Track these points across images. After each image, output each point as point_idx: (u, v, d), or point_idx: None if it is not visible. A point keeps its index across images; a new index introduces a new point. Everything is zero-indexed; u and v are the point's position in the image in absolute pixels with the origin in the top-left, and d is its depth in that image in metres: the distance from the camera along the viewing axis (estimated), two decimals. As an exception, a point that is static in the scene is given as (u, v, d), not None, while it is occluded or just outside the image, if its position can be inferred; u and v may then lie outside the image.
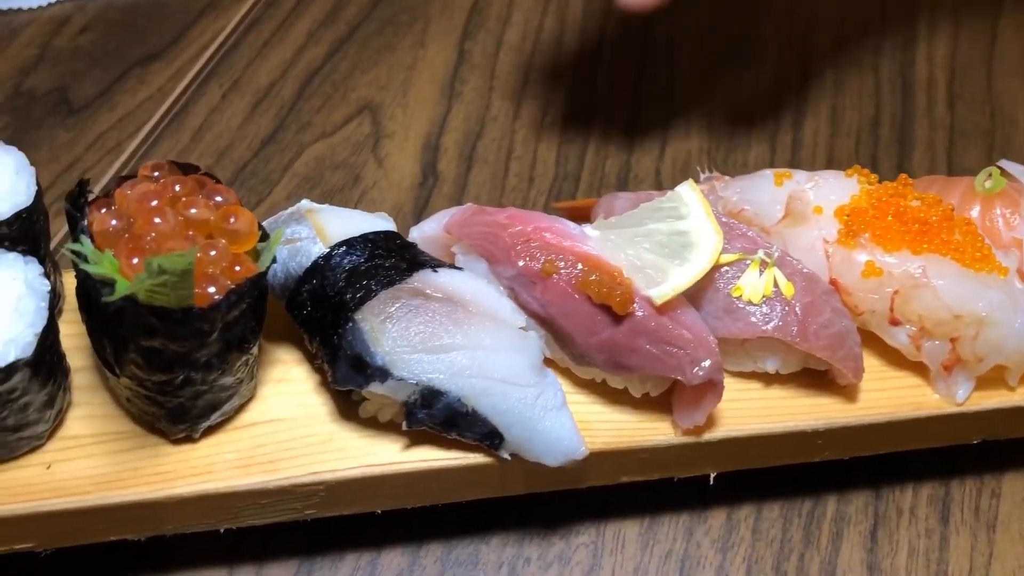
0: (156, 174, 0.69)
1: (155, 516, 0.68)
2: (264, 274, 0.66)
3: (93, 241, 0.64)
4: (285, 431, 0.71)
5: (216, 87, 1.14)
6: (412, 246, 0.75)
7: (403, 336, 0.67)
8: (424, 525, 0.78)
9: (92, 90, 1.13)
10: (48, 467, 0.68)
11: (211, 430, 0.70)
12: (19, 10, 1.20)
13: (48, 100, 1.11)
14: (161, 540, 0.72)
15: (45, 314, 0.63)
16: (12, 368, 0.61)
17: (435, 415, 0.68)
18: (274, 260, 0.66)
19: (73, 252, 0.62)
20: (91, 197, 0.68)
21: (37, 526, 0.67)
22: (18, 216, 0.68)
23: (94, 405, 0.71)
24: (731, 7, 1.29)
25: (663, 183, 1.08)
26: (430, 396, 0.67)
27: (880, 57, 1.24)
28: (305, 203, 0.76)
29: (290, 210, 0.76)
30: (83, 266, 0.60)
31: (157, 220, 0.64)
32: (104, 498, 0.67)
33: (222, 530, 0.71)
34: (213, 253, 0.64)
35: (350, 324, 0.68)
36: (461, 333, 0.68)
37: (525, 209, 0.80)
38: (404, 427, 0.68)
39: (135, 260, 0.61)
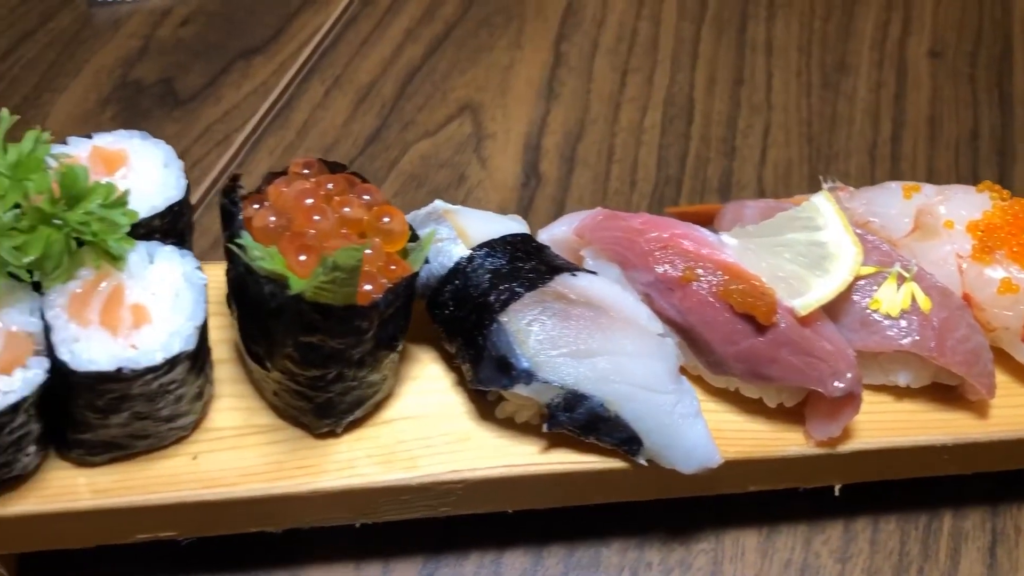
0: (306, 171, 0.70)
1: (297, 509, 0.69)
2: (417, 274, 0.66)
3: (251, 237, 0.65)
4: (423, 428, 0.71)
5: (318, 83, 1.15)
6: (547, 249, 0.75)
7: (548, 339, 0.68)
8: (545, 526, 0.79)
9: (197, 82, 1.14)
10: (194, 458, 0.69)
11: (353, 425, 0.71)
12: (122, 2, 1.22)
13: (155, 91, 1.13)
14: (295, 532, 0.73)
15: (204, 307, 0.64)
16: (176, 360, 0.62)
17: (576, 419, 0.68)
18: (426, 260, 0.67)
19: (237, 247, 0.63)
20: (243, 192, 0.69)
21: (182, 516, 0.68)
22: (170, 209, 0.69)
23: (236, 398, 0.72)
24: (827, 14, 1.29)
25: (765, 191, 1.08)
26: (574, 400, 0.68)
27: (976, 68, 1.24)
28: (440, 204, 0.77)
29: (426, 210, 0.76)
30: (258, 262, 0.61)
31: (316, 218, 0.65)
32: (250, 491, 0.68)
33: (358, 524, 0.72)
34: (369, 252, 0.65)
35: (495, 325, 0.68)
36: (604, 338, 0.68)
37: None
38: (544, 429, 0.69)
39: (302, 257, 0.62)
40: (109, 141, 0.72)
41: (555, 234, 0.78)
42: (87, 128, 1.07)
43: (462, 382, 0.74)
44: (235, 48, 1.18)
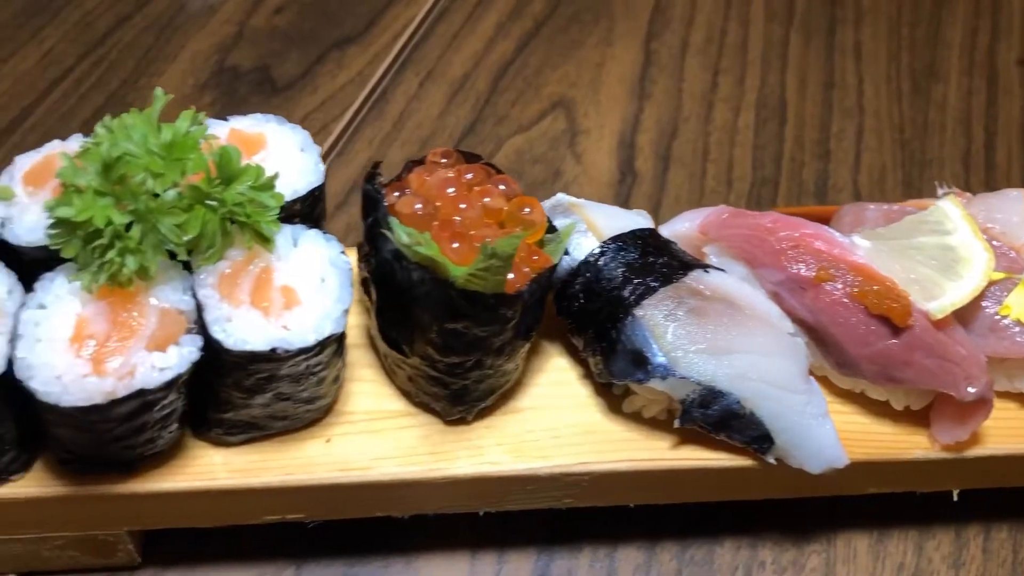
0: (444, 161, 0.70)
1: (426, 496, 0.70)
2: (556, 265, 0.66)
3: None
4: (551, 419, 0.72)
5: (412, 75, 1.16)
6: (674, 244, 0.75)
7: (685, 335, 0.68)
8: (656, 521, 0.79)
9: (293, 70, 1.14)
10: (328, 441, 0.69)
11: (482, 414, 0.71)
12: (216, -12, 1.22)
13: (252, 78, 1.13)
14: (414, 519, 0.73)
15: (350, 291, 0.64)
16: (326, 342, 0.62)
17: (710, 415, 0.68)
18: (565, 252, 0.67)
19: (387, 232, 0.63)
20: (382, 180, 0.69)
21: (314, 498, 0.69)
22: (311, 194, 0.70)
23: (365, 383, 0.72)
24: (915, 20, 1.28)
25: (862, 194, 1.08)
26: (710, 396, 0.68)
27: (1067, 78, 1.23)
28: (564, 196, 0.77)
29: (550, 202, 0.77)
30: (414, 248, 0.61)
31: (463, 206, 0.66)
32: (383, 475, 0.68)
33: (481, 513, 0.72)
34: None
35: (630, 319, 0.68)
36: (740, 335, 0.68)
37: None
38: (676, 424, 0.69)
39: (455, 245, 0.62)
40: (247, 124, 0.72)
41: (676, 230, 0.78)
42: (187, 113, 1.08)
43: (588, 375, 0.74)
44: (329, 38, 1.19)
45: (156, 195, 0.60)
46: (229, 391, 0.64)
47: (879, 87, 1.20)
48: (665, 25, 1.25)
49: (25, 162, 0.67)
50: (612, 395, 0.73)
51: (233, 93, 1.11)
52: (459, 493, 0.70)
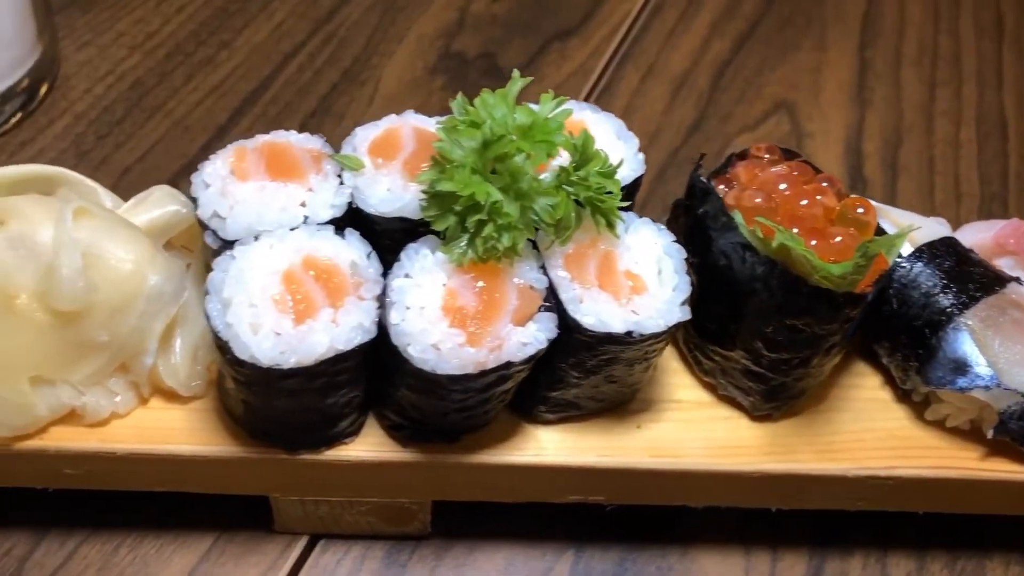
0: (767, 156, 0.71)
1: (730, 487, 0.70)
2: (893, 268, 0.67)
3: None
4: (854, 422, 0.72)
5: (633, 70, 1.16)
6: (974, 254, 0.75)
7: (1012, 346, 0.67)
8: (927, 529, 0.78)
9: (517, 59, 1.16)
10: (639, 427, 0.70)
11: (788, 412, 0.71)
12: (435, -27, 1.24)
13: (479, 65, 1.15)
14: (688, 510, 0.74)
15: (687, 279, 0.65)
16: (670, 330, 0.63)
17: (1028, 428, 0.68)
18: (899, 255, 0.67)
19: (737, 225, 0.64)
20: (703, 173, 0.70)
21: (622, 482, 0.70)
22: (636, 182, 0.70)
23: (667, 372, 0.73)
24: None
25: (1095, 216, 1.06)
26: (1032, 409, 0.67)
27: None
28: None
29: (847, 205, 0.77)
30: (784, 243, 0.61)
31: (804, 203, 0.66)
32: (694, 464, 0.68)
33: (773, 509, 0.73)
34: (839, 241, 0.65)
35: (952, 326, 0.68)
36: (1063, 350, 0.68)
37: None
38: (990, 435, 0.69)
39: (813, 242, 0.62)
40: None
41: (969, 239, 0.78)
42: (421, 94, 1.10)
43: (886, 382, 0.74)
44: (549, 28, 1.20)
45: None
46: (567, 370, 0.65)
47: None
48: (877, 34, 1.25)
49: (366, 134, 0.69)
50: (912, 402, 0.73)
51: (463, 78, 1.13)
52: (762, 488, 0.70)
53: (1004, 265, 0.77)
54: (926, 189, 1.07)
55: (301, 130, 0.70)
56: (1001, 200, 1.07)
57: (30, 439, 0.65)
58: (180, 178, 0.98)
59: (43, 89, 1.03)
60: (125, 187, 0.94)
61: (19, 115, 1.00)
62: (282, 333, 0.59)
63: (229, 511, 0.75)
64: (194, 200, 0.66)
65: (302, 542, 0.75)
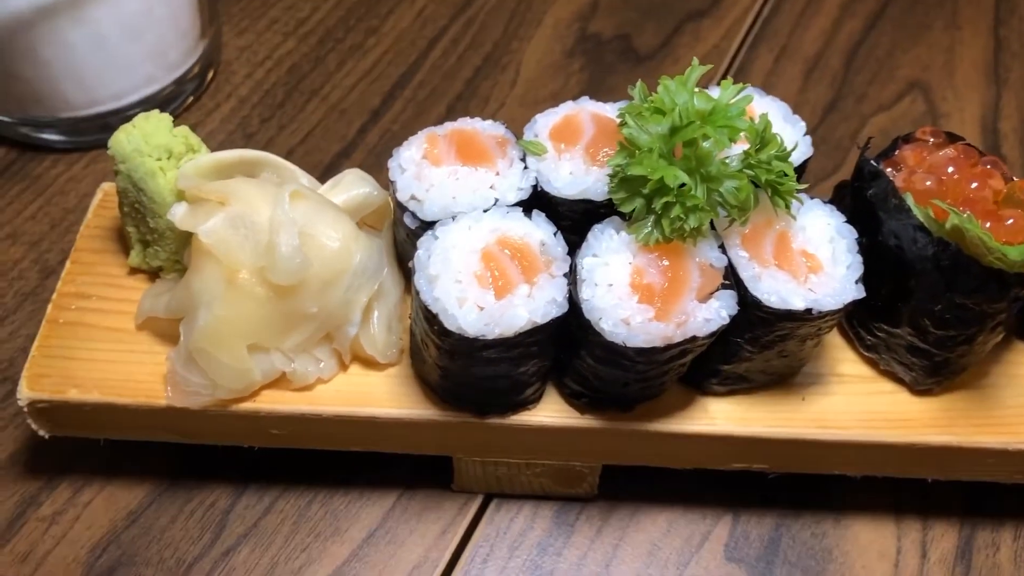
0: (932, 140, 0.73)
1: (892, 458, 0.73)
2: (1059, 249, 0.68)
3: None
4: (1011, 396, 0.74)
5: (766, 51, 1.18)
6: None
7: None
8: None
9: (653, 41, 1.19)
10: (803, 399, 0.73)
11: (947, 388, 0.74)
12: (567, -43, 1.27)
13: (614, 47, 1.18)
14: (842, 479, 0.77)
15: (859, 259, 0.68)
16: (845, 308, 0.66)
17: None
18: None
19: (910, 207, 0.66)
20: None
21: (788, 451, 0.73)
22: (804, 165, 0.73)
23: (826, 347, 0.76)
24: None
25: None
26: None
27: None
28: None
29: (1006, 187, 0.78)
30: (961, 224, 0.64)
31: (974, 185, 0.68)
32: (860, 436, 0.72)
33: (930, 480, 0.76)
34: (1011, 223, 0.68)
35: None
36: None
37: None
38: None
39: (987, 224, 0.65)
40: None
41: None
42: (560, 77, 1.14)
43: (1041, 358, 0.76)
44: (681, 10, 1.23)
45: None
46: (743, 345, 0.68)
47: None
48: (1011, 12, 1.24)
49: (547, 121, 0.73)
50: (1063, 379, 0.75)
51: (600, 60, 1.16)
52: (922, 459, 0.73)
53: None
54: (1066, 168, 1.08)
55: (448, 112, 0.74)
56: None
57: (244, 401, 0.71)
58: (340, 160, 1.05)
59: (210, 74, 1.10)
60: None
61: (191, 99, 1.07)
62: (485, 307, 0.64)
63: (409, 471, 0.81)
64: (392, 183, 0.71)
65: (477, 501, 0.80)
